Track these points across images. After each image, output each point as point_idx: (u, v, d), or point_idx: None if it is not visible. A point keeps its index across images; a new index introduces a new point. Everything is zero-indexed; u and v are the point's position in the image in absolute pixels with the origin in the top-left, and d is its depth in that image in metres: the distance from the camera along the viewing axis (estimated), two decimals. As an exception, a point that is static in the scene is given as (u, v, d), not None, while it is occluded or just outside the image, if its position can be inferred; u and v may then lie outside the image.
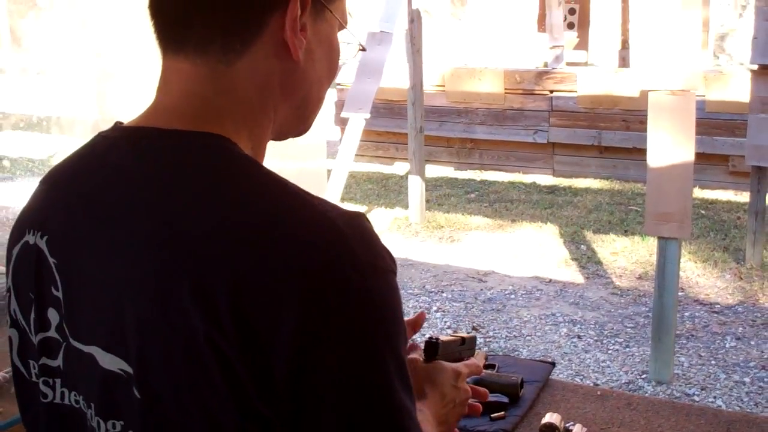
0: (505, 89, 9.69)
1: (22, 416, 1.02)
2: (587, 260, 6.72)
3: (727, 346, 5.06)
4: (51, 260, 0.93)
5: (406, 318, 1.17)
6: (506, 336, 5.28)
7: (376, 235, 0.86)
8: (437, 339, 1.33)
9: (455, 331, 1.44)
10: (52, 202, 0.97)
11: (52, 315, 0.93)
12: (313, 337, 0.79)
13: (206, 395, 0.80)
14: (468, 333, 1.46)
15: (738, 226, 7.47)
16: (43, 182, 1.00)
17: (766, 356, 4.89)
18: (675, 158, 4.32)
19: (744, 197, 8.31)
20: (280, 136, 1.02)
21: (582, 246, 7.07)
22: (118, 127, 0.96)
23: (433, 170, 9.62)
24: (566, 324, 5.47)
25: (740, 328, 5.31)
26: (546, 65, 9.97)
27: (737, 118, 8.34)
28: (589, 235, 7.35)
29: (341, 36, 1.02)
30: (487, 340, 5.20)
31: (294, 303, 0.78)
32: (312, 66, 0.97)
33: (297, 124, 1.03)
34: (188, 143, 0.89)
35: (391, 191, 9.20)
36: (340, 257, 0.81)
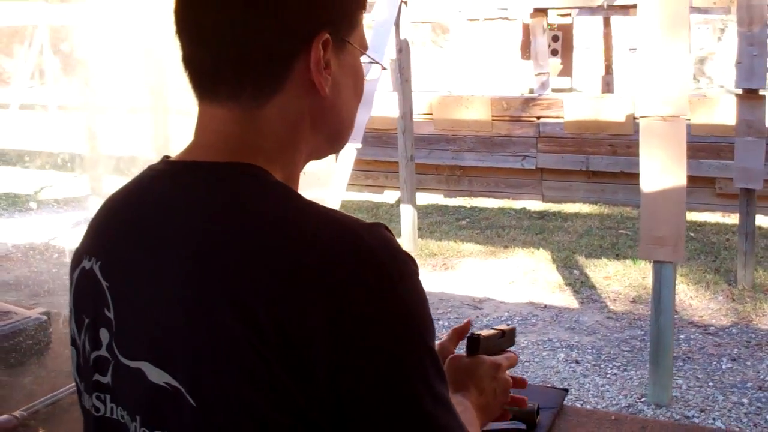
0: (493, 116, 9.76)
1: (84, 427, 1.08)
2: (581, 285, 6.77)
3: (724, 367, 5.11)
4: (104, 284, 0.99)
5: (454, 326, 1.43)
6: (504, 362, 5.30)
7: (396, 242, 0.93)
8: (478, 335, 1.41)
9: (493, 327, 1.54)
10: (104, 229, 1.04)
11: (104, 335, 0.99)
12: (350, 346, 0.85)
13: (254, 402, 0.85)
14: (507, 326, 1.55)
15: (727, 248, 7.54)
16: (98, 211, 1.07)
17: (762, 377, 4.94)
18: (667, 183, 4.38)
19: (732, 219, 8.41)
20: (317, 158, 1.09)
21: (575, 271, 7.12)
22: (164, 160, 1.03)
23: (424, 198, 9.68)
24: (563, 349, 5.50)
25: (735, 350, 5.36)
26: (532, 92, 10.07)
27: (722, 141, 8.45)
28: (581, 259, 7.40)
29: (363, 59, 1.08)
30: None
31: (327, 315, 0.84)
32: (339, 96, 1.04)
33: (330, 147, 1.09)
34: (225, 173, 0.96)
35: (383, 220, 9.23)
36: (367, 267, 0.88)
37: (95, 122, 7.55)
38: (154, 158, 1.08)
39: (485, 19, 11.73)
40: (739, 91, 6.30)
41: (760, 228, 7.24)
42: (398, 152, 8.09)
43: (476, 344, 1.40)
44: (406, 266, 0.91)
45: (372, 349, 0.85)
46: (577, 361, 5.30)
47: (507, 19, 11.98)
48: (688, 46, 4.04)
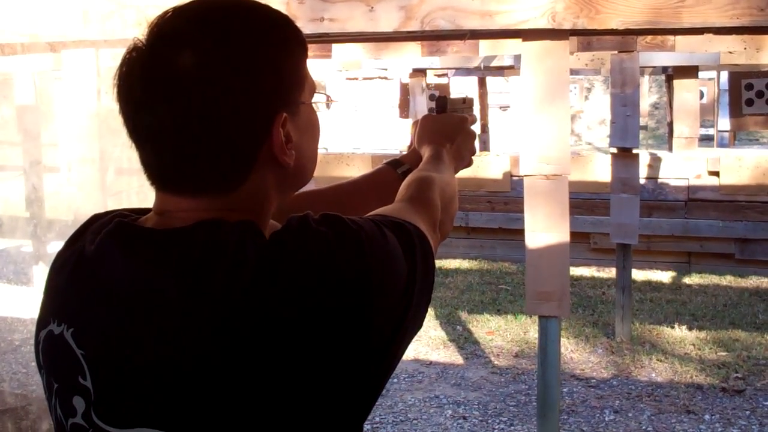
0: (373, 174, 9.82)
1: None
2: (465, 340, 6.82)
3: (607, 419, 5.21)
4: (78, 352, 0.96)
5: None
6: (393, 421, 5.28)
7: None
8: (445, 95, 1.67)
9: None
10: (69, 294, 1.01)
11: (78, 403, 0.97)
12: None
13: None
14: (467, 96, 1.81)
15: (604, 301, 7.75)
16: (56, 273, 1.04)
17: (644, 427, 5.06)
18: (551, 239, 4.46)
19: (607, 273, 8.67)
20: (283, 205, 1.10)
21: (458, 326, 7.18)
22: (119, 223, 1.00)
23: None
24: (450, 406, 5.51)
25: (617, 401, 5.48)
26: (411, 150, 10.18)
27: (596, 198, 8.74)
28: (464, 315, 7.47)
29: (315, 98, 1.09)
30: (374, 426, 5.19)
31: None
32: (303, 155, 1.05)
33: (295, 191, 1.14)
34: (197, 230, 0.95)
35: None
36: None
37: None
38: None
39: (364, 78, 11.88)
40: (614, 150, 6.53)
41: (634, 281, 7.47)
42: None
43: (444, 103, 1.65)
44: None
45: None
46: (464, 417, 5.32)
47: (385, 78, 12.16)
48: (568, 106, 4.16)
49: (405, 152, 1.69)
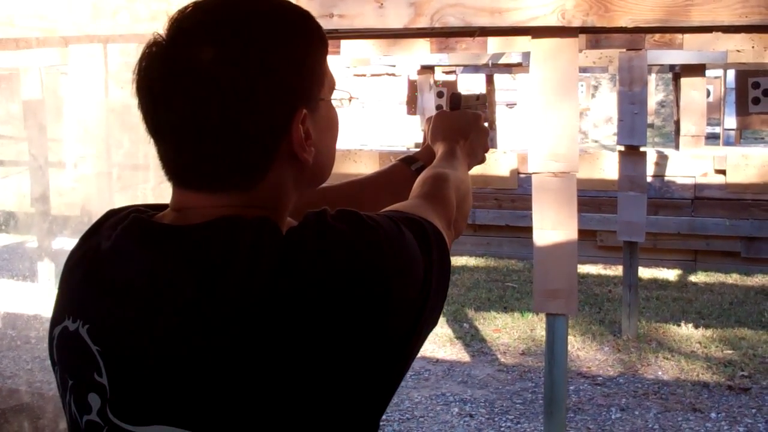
0: (380, 171, 9.83)
1: None
2: (471, 338, 6.82)
3: (613, 417, 5.21)
4: (94, 348, 0.96)
5: None
6: (399, 419, 5.28)
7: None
8: (459, 93, 1.69)
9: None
10: (84, 289, 1.00)
11: (94, 400, 0.96)
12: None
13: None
14: (480, 93, 1.86)
15: (610, 299, 7.75)
16: (72, 269, 1.04)
17: (650, 425, 5.05)
18: (559, 237, 4.47)
19: (613, 271, 8.66)
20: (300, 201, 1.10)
21: (465, 324, 7.18)
22: (136, 219, 1.00)
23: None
24: (457, 403, 5.51)
25: (623, 399, 5.48)
26: (419, 146, 10.18)
27: (603, 195, 8.73)
28: (470, 312, 7.47)
29: (334, 95, 1.08)
30: (381, 423, 5.18)
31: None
32: (321, 153, 1.04)
33: (314, 188, 1.13)
34: (215, 226, 0.94)
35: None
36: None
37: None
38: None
39: (371, 75, 11.87)
40: (621, 148, 6.52)
41: (641, 279, 7.46)
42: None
43: (458, 100, 1.66)
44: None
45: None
46: (471, 415, 5.32)
47: (393, 75, 12.16)
48: (577, 104, 4.16)
49: (413, 149, 1.69)
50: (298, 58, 0.99)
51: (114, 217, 1.04)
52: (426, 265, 1.01)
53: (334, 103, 1.08)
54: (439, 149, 1.53)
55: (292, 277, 0.90)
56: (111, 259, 0.99)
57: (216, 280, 0.91)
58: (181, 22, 0.96)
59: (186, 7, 0.97)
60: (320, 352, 0.90)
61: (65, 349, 1.01)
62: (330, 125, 1.07)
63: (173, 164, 0.98)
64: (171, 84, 0.95)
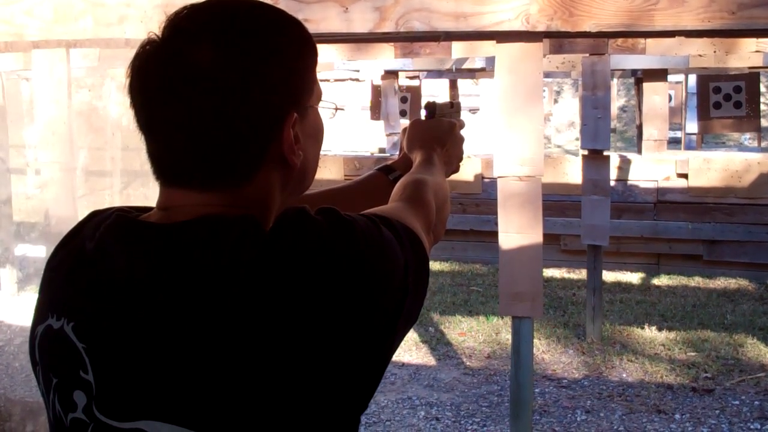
0: (345, 176, 9.83)
1: None
2: (437, 342, 6.83)
3: (579, 419, 5.24)
4: (80, 345, 0.97)
5: None
6: (366, 422, 5.27)
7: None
8: (434, 102, 1.69)
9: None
10: (68, 287, 1.01)
11: (79, 397, 0.97)
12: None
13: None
14: (455, 101, 1.83)
15: (574, 303, 7.80)
16: (55, 265, 1.05)
17: (615, 427, 5.09)
18: (525, 241, 4.49)
19: (577, 275, 8.72)
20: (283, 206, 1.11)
21: (430, 328, 7.19)
22: (118, 216, 1.01)
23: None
24: (423, 407, 5.52)
25: (588, 402, 5.52)
26: (383, 151, 10.21)
27: (566, 199, 8.79)
28: (436, 316, 7.49)
29: (321, 104, 1.11)
30: (348, 427, 5.17)
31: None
32: (307, 158, 1.06)
33: (297, 195, 1.13)
34: (199, 223, 0.96)
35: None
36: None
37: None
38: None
39: (335, 80, 11.87)
40: (585, 152, 6.57)
41: (605, 282, 7.52)
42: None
43: (433, 108, 1.66)
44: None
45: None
46: (437, 419, 5.33)
47: (357, 80, 12.16)
48: (542, 108, 4.19)
49: (377, 154, 1.70)
50: (292, 63, 1.01)
51: (97, 218, 1.05)
52: (404, 264, 1.02)
53: (321, 112, 1.10)
54: (417, 157, 1.55)
55: (275, 271, 0.92)
56: (95, 257, 1.00)
57: (199, 277, 0.92)
58: (176, 23, 0.98)
59: (182, 9, 0.99)
60: (301, 343, 0.91)
61: (49, 347, 1.02)
62: (316, 133, 1.09)
63: (164, 161, 1.00)
64: (166, 83, 0.96)
